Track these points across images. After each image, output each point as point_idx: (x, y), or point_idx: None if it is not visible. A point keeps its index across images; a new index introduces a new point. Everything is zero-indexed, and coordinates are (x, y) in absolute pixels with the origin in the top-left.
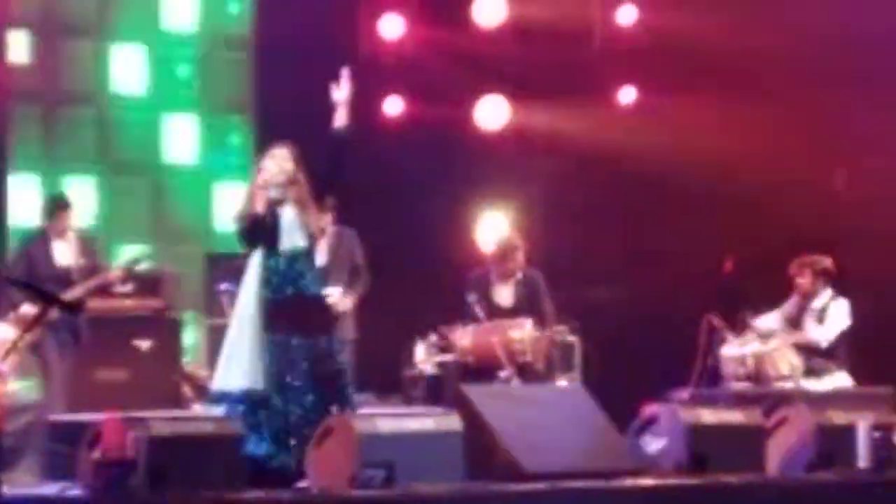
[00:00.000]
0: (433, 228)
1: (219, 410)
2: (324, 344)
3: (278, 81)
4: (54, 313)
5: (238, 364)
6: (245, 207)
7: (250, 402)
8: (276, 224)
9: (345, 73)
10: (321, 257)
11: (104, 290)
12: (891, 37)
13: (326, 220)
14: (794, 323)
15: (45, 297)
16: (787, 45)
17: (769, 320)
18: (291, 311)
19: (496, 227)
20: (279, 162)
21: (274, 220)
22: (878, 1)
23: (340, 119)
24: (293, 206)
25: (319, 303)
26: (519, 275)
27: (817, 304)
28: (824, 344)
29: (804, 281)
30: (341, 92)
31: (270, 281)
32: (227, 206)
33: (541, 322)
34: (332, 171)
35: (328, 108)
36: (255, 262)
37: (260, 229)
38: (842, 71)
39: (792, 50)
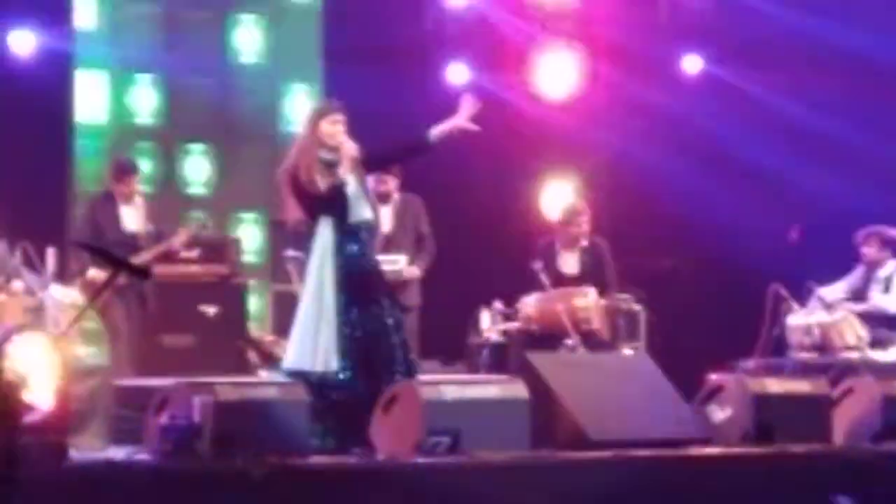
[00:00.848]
0: (499, 196)
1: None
2: (396, 315)
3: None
4: (122, 278)
5: (313, 345)
6: (301, 171)
7: (322, 386)
8: (345, 197)
9: (467, 99)
10: (386, 225)
11: (170, 256)
12: None
13: (392, 186)
14: (860, 293)
15: (115, 262)
16: None
17: (835, 290)
18: (368, 285)
19: (561, 195)
20: (342, 128)
21: (343, 193)
22: None
23: (440, 134)
24: (355, 177)
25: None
26: (584, 242)
27: (883, 273)
28: (893, 310)
29: (870, 250)
30: (459, 117)
31: (344, 256)
32: None
33: (604, 290)
34: (393, 159)
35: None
36: (324, 237)
37: (328, 205)
38: None
39: None
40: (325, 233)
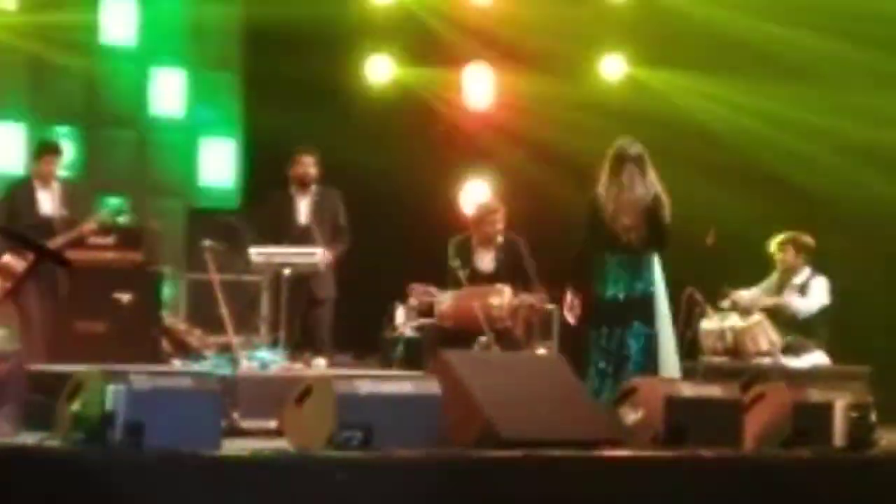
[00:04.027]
0: (418, 192)
1: (197, 365)
2: None
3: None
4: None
5: None
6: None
7: None
8: None
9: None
10: (303, 217)
11: (84, 242)
12: None
13: (314, 174)
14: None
15: (35, 248)
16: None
17: (749, 295)
18: None
19: (478, 193)
20: None
21: None
22: None
23: None
24: None
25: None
26: (500, 239)
27: (798, 280)
28: (805, 313)
29: (786, 256)
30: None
31: None
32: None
33: (524, 286)
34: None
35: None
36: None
37: None
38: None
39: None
40: None
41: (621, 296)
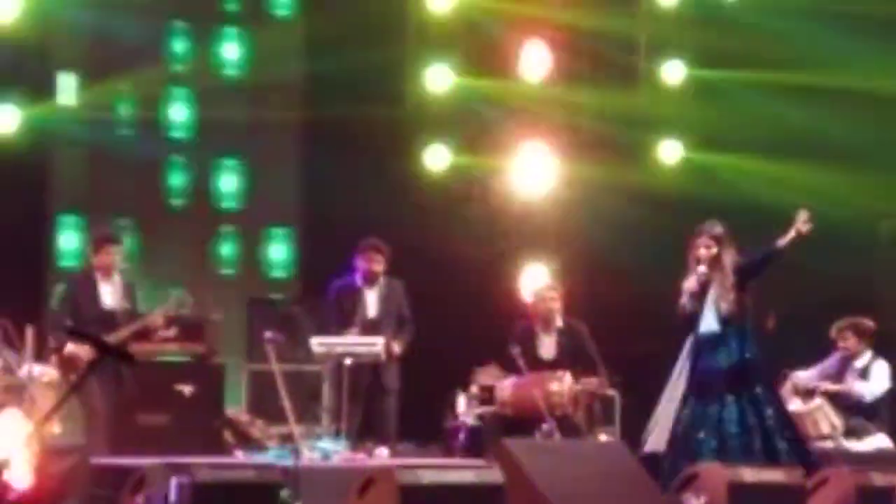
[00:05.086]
0: (479, 280)
1: (259, 457)
2: None
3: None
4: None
5: None
6: None
7: None
8: None
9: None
10: (372, 310)
11: (147, 335)
12: None
13: (382, 268)
14: (835, 381)
15: (100, 346)
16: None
17: (807, 375)
18: None
19: (537, 278)
20: None
21: None
22: None
23: (787, 240)
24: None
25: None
26: (559, 323)
27: (859, 363)
28: (868, 398)
29: (847, 343)
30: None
31: None
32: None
33: (586, 371)
34: (758, 269)
35: None
36: None
37: None
38: None
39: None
40: None
41: None
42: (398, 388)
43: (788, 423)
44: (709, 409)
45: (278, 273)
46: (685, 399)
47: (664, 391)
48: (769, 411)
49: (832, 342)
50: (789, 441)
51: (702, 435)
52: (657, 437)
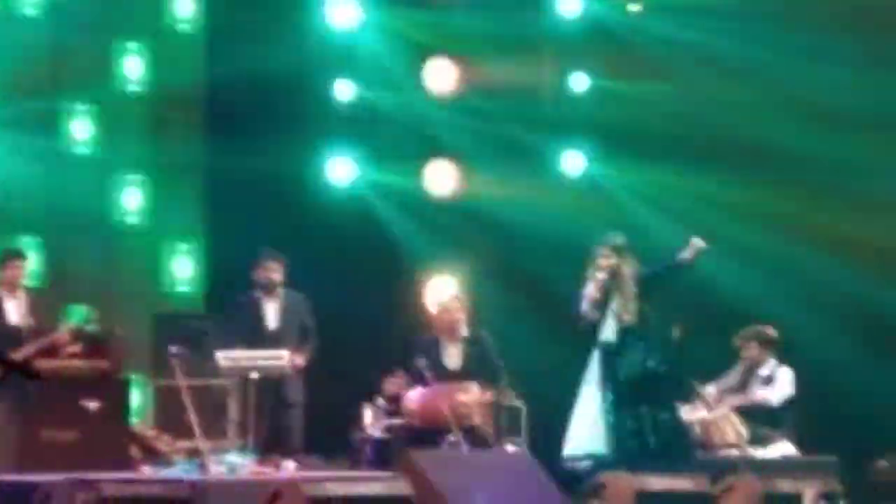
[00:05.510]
0: (382, 292)
1: (166, 471)
2: None
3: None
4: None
5: None
6: None
7: None
8: None
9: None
10: (272, 322)
11: (52, 351)
12: None
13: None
14: (740, 392)
15: (4, 362)
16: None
17: (714, 391)
18: None
19: (442, 291)
20: None
21: None
22: None
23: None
24: None
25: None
26: (464, 332)
27: (763, 371)
28: (776, 401)
29: (750, 353)
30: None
31: None
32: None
33: (492, 381)
34: (661, 280)
35: None
36: None
37: None
38: None
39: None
40: None
41: None
42: (302, 402)
43: (684, 433)
44: (617, 417)
45: (184, 288)
46: (600, 405)
47: (579, 398)
48: (667, 420)
49: (737, 350)
50: (685, 450)
51: (613, 442)
52: (576, 442)
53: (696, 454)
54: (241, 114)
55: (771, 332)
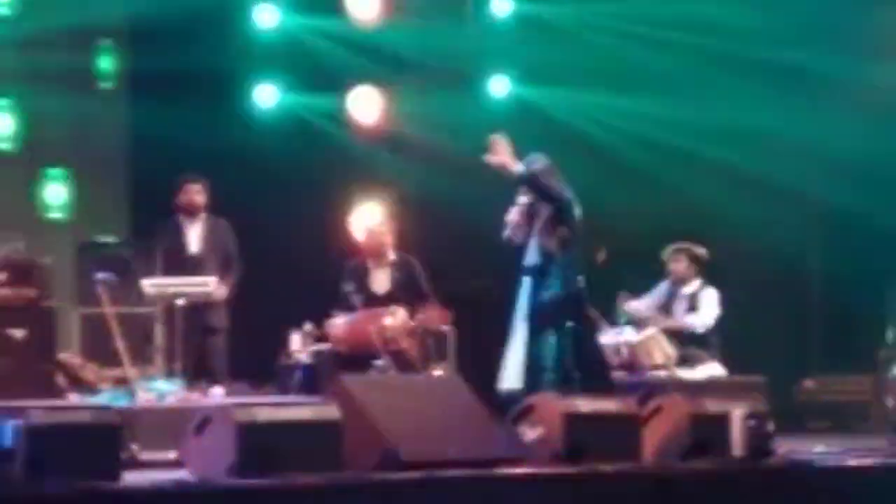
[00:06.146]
0: (310, 217)
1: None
2: None
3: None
4: None
5: None
6: None
7: None
8: None
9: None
10: (194, 246)
11: None
12: None
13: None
14: (665, 309)
15: None
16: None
17: (640, 305)
18: None
19: (369, 216)
20: None
21: None
22: None
23: (514, 167)
24: None
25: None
26: (391, 256)
27: (688, 290)
28: (700, 329)
29: (678, 266)
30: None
31: None
32: None
33: (421, 305)
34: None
35: None
36: None
37: None
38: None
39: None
40: None
41: None
42: (226, 327)
43: (600, 355)
44: (542, 340)
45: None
46: (527, 332)
47: (512, 331)
48: (587, 343)
49: (662, 265)
50: (600, 372)
51: (539, 366)
52: (510, 373)
53: (614, 381)
54: (162, 42)
55: (702, 250)
